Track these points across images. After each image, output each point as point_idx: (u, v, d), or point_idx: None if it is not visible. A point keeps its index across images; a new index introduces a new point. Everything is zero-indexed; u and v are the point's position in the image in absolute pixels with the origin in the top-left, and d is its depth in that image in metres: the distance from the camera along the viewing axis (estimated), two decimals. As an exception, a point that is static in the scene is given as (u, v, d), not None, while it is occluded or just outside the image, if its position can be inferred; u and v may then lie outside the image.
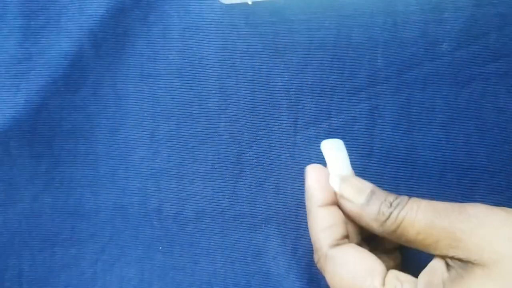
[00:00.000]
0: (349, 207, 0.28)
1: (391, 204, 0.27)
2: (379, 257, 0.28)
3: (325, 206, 0.29)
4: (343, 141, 0.31)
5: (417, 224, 0.26)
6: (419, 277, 0.26)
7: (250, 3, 0.31)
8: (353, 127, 0.33)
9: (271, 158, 0.34)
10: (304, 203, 0.34)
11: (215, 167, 0.35)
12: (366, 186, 0.29)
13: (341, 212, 0.29)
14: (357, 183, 0.29)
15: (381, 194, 0.28)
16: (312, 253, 0.34)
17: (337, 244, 0.28)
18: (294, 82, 0.33)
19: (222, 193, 0.35)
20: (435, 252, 0.26)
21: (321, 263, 0.29)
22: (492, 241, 0.24)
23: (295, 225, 0.34)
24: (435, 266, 0.26)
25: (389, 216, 0.27)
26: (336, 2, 0.32)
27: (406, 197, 0.27)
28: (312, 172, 0.30)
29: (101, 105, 0.35)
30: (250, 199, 0.35)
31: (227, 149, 0.34)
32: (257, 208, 0.35)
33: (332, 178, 0.29)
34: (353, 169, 0.34)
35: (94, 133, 0.35)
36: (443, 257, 0.26)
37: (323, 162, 0.33)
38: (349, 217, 0.29)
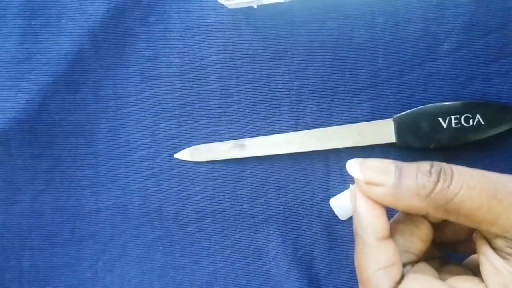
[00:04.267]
0: (380, 192, 0.24)
1: (430, 173, 0.23)
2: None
3: (384, 239, 0.25)
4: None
5: (477, 197, 0.23)
6: (486, 280, 0.24)
7: (255, 6, 0.31)
8: (354, 128, 0.33)
9: (272, 158, 0.34)
10: (305, 203, 0.34)
11: (216, 167, 0.35)
12: (387, 162, 0.25)
13: (396, 246, 0.25)
14: (377, 163, 0.25)
15: (409, 165, 0.24)
16: (313, 252, 0.34)
17: (397, 286, 0.24)
18: (295, 82, 0.33)
19: (223, 193, 0.35)
20: (490, 229, 0.23)
21: None
22: None
23: (296, 225, 0.34)
24: (493, 261, 0.23)
25: (435, 187, 0.23)
26: (337, 3, 0.32)
27: (443, 164, 0.24)
28: (361, 194, 0.25)
29: (102, 105, 0.35)
30: (251, 199, 0.35)
31: (228, 150, 0.34)
32: (257, 208, 0.35)
33: (351, 165, 0.26)
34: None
35: (94, 133, 0.35)
36: (496, 236, 0.23)
37: (324, 163, 0.33)
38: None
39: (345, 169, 0.33)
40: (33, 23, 0.34)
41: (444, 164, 0.24)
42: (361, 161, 0.26)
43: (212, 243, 0.35)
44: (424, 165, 0.24)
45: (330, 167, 0.34)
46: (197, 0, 0.33)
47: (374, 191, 0.25)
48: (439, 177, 0.23)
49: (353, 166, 0.26)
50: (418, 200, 0.23)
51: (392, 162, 0.25)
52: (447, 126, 0.31)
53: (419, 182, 0.23)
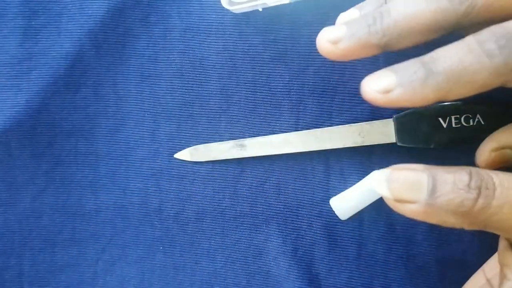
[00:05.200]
0: (411, 210, 0.22)
1: (468, 187, 0.21)
2: None
3: None
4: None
5: None
6: None
7: (260, 10, 0.31)
8: (354, 128, 0.33)
9: (272, 158, 0.34)
10: (305, 203, 0.34)
11: (216, 167, 0.35)
12: (419, 170, 0.22)
13: None
14: (407, 174, 0.22)
15: (443, 174, 0.21)
16: (313, 252, 0.34)
17: None
18: (295, 82, 0.33)
19: (223, 193, 0.35)
20: None
21: None
22: None
23: (296, 225, 0.34)
24: None
25: (474, 205, 0.21)
26: (338, 3, 0.32)
27: (484, 173, 0.21)
28: None
29: (102, 105, 0.35)
30: (251, 199, 0.35)
31: (228, 150, 0.34)
32: (257, 208, 0.35)
33: (377, 181, 0.23)
34: (353, 171, 0.34)
35: (94, 133, 0.36)
36: None
37: (324, 163, 0.33)
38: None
39: (345, 169, 0.34)
40: (33, 23, 0.34)
41: (485, 175, 0.21)
42: (389, 173, 0.23)
43: (212, 243, 0.35)
44: (462, 176, 0.21)
45: (330, 167, 0.34)
46: (197, 0, 0.34)
47: (403, 209, 0.22)
48: (479, 193, 0.21)
49: (379, 182, 0.23)
50: (453, 218, 0.21)
51: (424, 171, 0.22)
52: (447, 126, 0.31)
53: (456, 200, 0.21)
